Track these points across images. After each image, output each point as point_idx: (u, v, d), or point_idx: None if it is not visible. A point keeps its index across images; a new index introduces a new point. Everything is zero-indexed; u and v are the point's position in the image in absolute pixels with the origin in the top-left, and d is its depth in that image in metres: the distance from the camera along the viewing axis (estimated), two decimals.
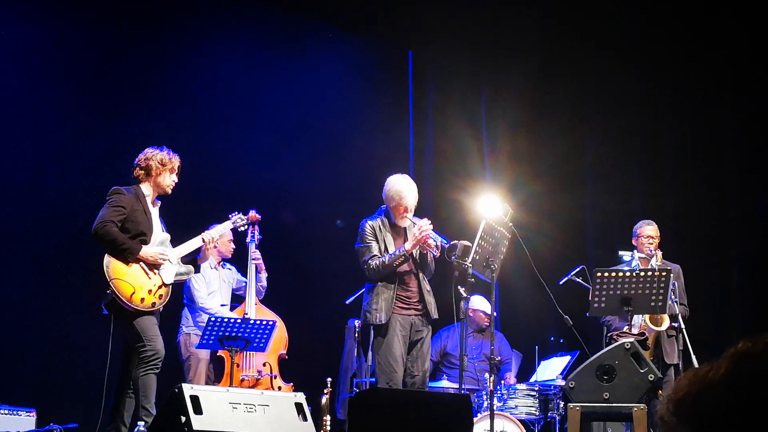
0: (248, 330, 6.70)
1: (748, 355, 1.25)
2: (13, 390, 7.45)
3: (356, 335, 7.43)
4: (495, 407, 6.32)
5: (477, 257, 6.16)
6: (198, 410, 4.76)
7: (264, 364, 7.31)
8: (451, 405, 5.64)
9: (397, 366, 6.35)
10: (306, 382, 7.06)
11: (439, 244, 6.46)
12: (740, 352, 1.27)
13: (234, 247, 7.86)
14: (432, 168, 10.10)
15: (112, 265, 5.78)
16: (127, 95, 8.55)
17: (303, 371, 7.73)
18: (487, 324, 8.63)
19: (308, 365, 8.05)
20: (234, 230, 6.75)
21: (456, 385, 7.31)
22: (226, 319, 6.80)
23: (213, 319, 6.76)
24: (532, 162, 10.01)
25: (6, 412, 7.02)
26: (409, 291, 6.55)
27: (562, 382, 7.34)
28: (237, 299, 7.84)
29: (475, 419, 6.23)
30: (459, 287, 6.28)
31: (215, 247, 7.66)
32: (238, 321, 6.80)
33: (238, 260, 7.91)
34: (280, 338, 7.35)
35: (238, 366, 7.03)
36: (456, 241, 6.36)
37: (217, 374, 7.38)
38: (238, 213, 6.75)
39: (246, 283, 7.59)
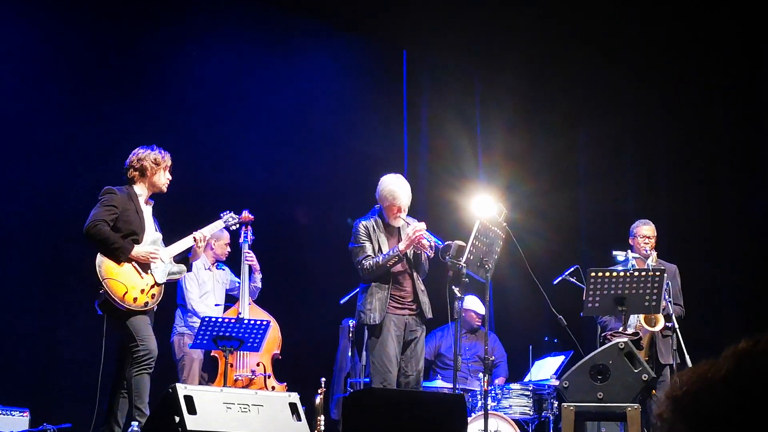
0: (242, 330, 6.69)
1: (749, 354, 1.25)
2: (7, 390, 7.43)
3: (350, 335, 7.43)
4: (489, 407, 6.32)
5: (471, 257, 6.16)
6: (192, 410, 4.75)
7: (258, 364, 7.30)
8: (445, 405, 5.64)
9: (391, 366, 6.35)
10: (300, 382, 7.06)
11: (432, 244, 6.46)
12: (741, 352, 1.26)
13: (230, 250, 7.85)
14: (426, 168, 10.10)
15: (104, 264, 5.77)
16: (119, 94, 8.52)
17: (297, 371, 7.73)
18: (479, 324, 8.65)
19: (302, 365, 8.05)
20: (226, 229, 6.72)
21: (450, 385, 7.31)
22: (219, 319, 6.79)
23: (207, 319, 6.75)
24: (526, 162, 10.01)
25: None
26: (404, 291, 6.55)
27: (556, 382, 7.34)
28: (230, 299, 7.83)
29: (469, 419, 6.23)
30: (453, 287, 6.28)
31: (211, 248, 7.67)
32: (232, 321, 6.79)
33: (232, 261, 7.90)
34: (273, 338, 7.34)
35: (231, 366, 7.03)
36: (450, 242, 6.36)
37: (210, 374, 7.37)
38: (230, 212, 6.74)
39: (239, 283, 7.59)
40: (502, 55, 10.12)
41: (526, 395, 7.55)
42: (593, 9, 9.64)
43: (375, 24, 9.85)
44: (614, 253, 7.28)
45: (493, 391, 7.44)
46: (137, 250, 5.87)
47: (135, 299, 5.79)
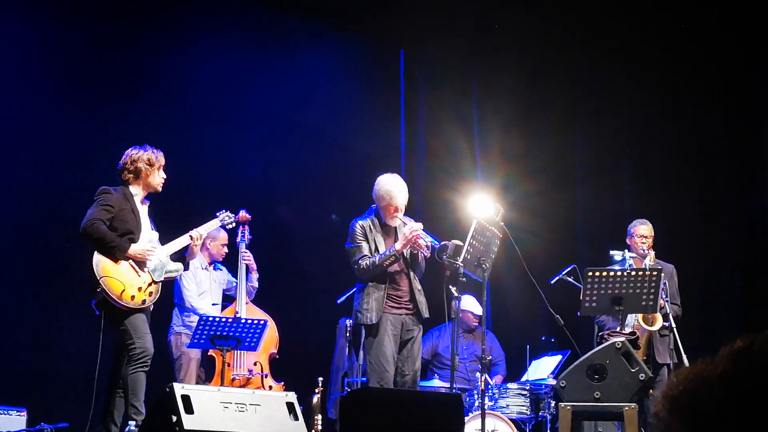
0: (239, 329, 6.69)
1: (746, 353, 1.25)
2: (4, 389, 7.43)
3: (347, 334, 7.43)
4: (486, 406, 6.32)
5: (468, 257, 6.16)
6: (189, 410, 4.75)
7: (255, 364, 7.30)
8: (442, 404, 5.65)
9: (388, 365, 6.35)
10: (297, 382, 7.05)
11: (429, 244, 6.46)
12: (738, 351, 1.26)
13: (227, 251, 7.85)
14: (423, 167, 10.10)
15: (101, 263, 5.78)
16: (115, 94, 8.52)
17: (294, 371, 7.72)
18: (475, 324, 8.65)
19: (299, 365, 8.04)
20: (222, 228, 6.72)
21: (447, 385, 7.31)
22: (217, 319, 6.80)
23: (204, 318, 6.75)
24: (524, 161, 10.02)
25: None
26: (400, 290, 6.55)
27: (553, 382, 7.35)
28: (227, 299, 7.83)
29: (466, 419, 6.24)
30: (450, 287, 6.28)
31: (207, 248, 7.67)
32: (229, 320, 6.79)
33: (228, 261, 7.90)
34: (271, 338, 7.34)
35: (229, 365, 7.03)
36: (447, 241, 6.36)
37: (208, 374, 7.37)
38: (226, 211, 6.74)
39: (236, 283, 7.58)
40: (499, 55, 10.13)
41: (524, 395, 7.55)
42: (590, 9, 9.66)
43: (372, 23, 9.85)
44: (611, 252, 7.28)
45: (490, 391, 7.44)
46: (134, 249, 5.88)
47: (132, 297, 5.80)
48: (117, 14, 8.62)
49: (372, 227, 6.63)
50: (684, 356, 6.65)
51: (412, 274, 6.58)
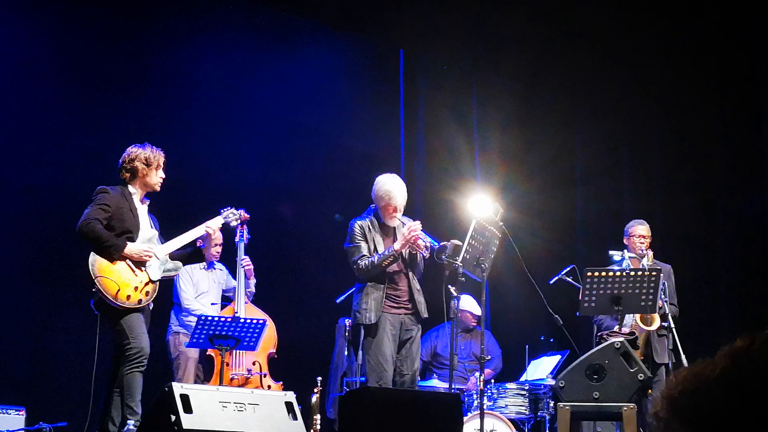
0: (238, 329, 6.69)
1: (745, 353, 1.25)
2: (3, 389, 7.43)
3: (346, 334, 7.42)
4: (485, 406, 6.32)
5: (468, 256, 6.15)
6: (188, 409, 4.75)
7: (254, 363, 7.29)
8: (441, 404, 5.65)
9: (387, 365, 6.35)
10: (296, 381, 7.05)
11: (428, 244, 6.45)
12: (737, 351, 1.26)
13: (219, 251, 7.84)
14: (423, 167, 10.10)
15: (97, 263, 5.76)
16: (116, 93, 8.52)
17: (293, 370, 7.72)
18: (474, 324, 8.65)
19: (298, 364, 8.04)
20: (226, 225, 6.70)
21: (446, 385, 7.31)
22: (216, 318, 6.79)
23: (203, 317, 6.75)
24: (523, 161, 10.02)
25: None
26: (399, 290, 6.54)
27: (552, 382, 7.35)
28: (225, 299, 7.83)
29: (465, 418, 6.24)
30: (450, 286, 6.28)
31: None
32: (228, 320, 6.79)
33: (228, 260, 7.90)
34: (269, 337, 7.34)
35: (227, 365, 7.02)
36: (446, 242, 6.36)
37: (206, 373, 7.37)
38: (230, 208, 6.71)
39: (235, 287, 7.57)
40: (498, 55, 10.13)
41: (522, 395, 7.55)
42: (589, 9, 9.65)
43: (372, 23, 9.85)
44: (611, 252, 7.28)
45: (489, 391, 7.44)
46: (130, 248, 5.86)
47: (128, 297, 5.78)
48: (118, 13, 8.62)
49: (371, 227, 6.62)
50: (683, 356, 6.65)
51: (411, 274, 6.58)
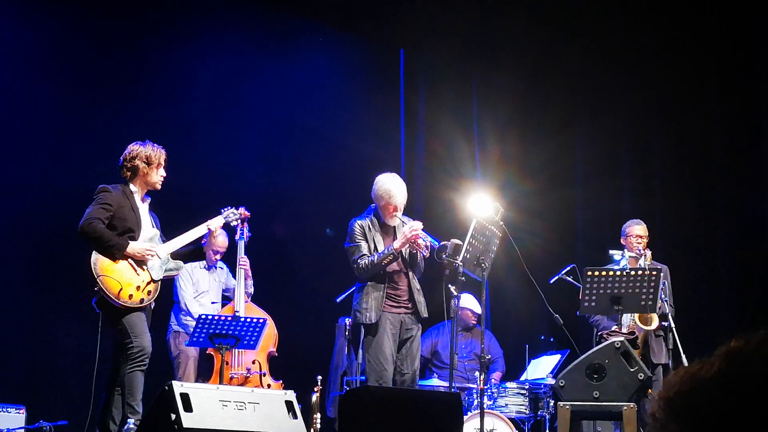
0: (238, 328, 6.69)
1: (740, 353, 1.25)
2: (3, 387, 7.43)
3: (346, 333, 7.43)
4: (485, 406, 6.32)
5: (468, 256, 6.16)
6: (188, 408, 4.75)
7: (253, 362, 7.30)
8: (441, 403, 5.65)
9: (387, 364, 6.35)
10: (296, 380, 7.06)
11: (428, 244, 6.45)
12: (732, 350, 1.27)
13: (218, 258, 7.86)
14: (423, 167, 10.11)
15: (99, 262, 5.76)
16: (116, 94, 8.53)
17: (293, 369, 7.73)
18: (474, 322, 8.66)
19: (298, 363, 8.05)
20: (227, 224, 6.71)
21: (446, 384, 7.32)
22: (216, 317, 6.79)
23: (203, 316, 6.75)
24: (523, 161, 10.03)
25: None
26: (399, 289, 6.55)
27: (552, 381, 7.35)
28: (225, 299, 7.83)
29: (465, 418, 6.24)
30: (450, 285, 6.28)
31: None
32: (228, 319, 6.79)
33: (228, 259, 7.91)
34: (269, 336, 7.34)
35: (227, 364, 7.02)
36: (446, 241, 6.36)
37: (206, 372, 7.37)
38: (230, 208, 6.71)
39: (233, 287, 7.58)
40: (498, 55, 10.14)
41: (522, 394, 7.55)
42: (589, 9, 9.66)
43: (372, 23, 9.86)
44: (611, 252, 7.29)
45: (489, 390, 7.44)
46: (133, 247, 5.86)
47: (131, 296, 5.78)
48: (117, 14, 8.62)
49: (371, 226, 6.63)
50: (683, 356, 6.65)
51: (411, 273, 6.58)
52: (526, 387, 7.62)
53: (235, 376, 7.18)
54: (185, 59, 8.89)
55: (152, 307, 6.02)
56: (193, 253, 6.28)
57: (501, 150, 10.03)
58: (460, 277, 6.20)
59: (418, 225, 6.46)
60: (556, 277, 7.36)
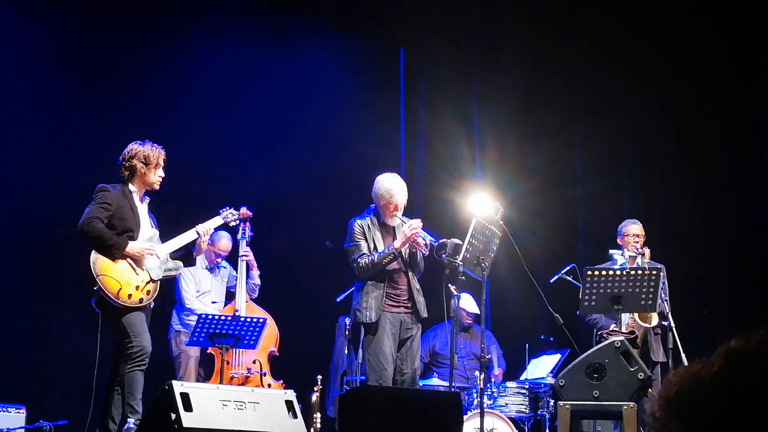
0: (238, 327, 6.70)
1: (741, 353, 1.25)
2: (3, 387, 7.43)
3: (347, 333, 7.43)
4: (485, 405, 6.33)
5: (468, 255, 6.16)
6: (188, 407, 4.76)
7: (254, 362, 7.30)
8: (441, 403, 5.65)
9: (387, 364, 6.35)
10: (296, 380, 7.06)
11: (428, 242, 6.45)
12: (733, 350, 1.27)
13: (219, 260, 7.87)
14: (423, 166, 10.11)
15: (98, 261, 5.76)
16: (115, 92, 8.52)
17: (293, 369, 7.73)
18: (469, 322, 8.68)
19: (298, 363, 8.06)
20: (225, 225, 6.71)
21: (446, 383, 7.32)
22: (216, 317, 6.79)
23: (203, 316, 6.76)
24: (523, 160, 10.02)
25: None
26: (399, 289, 6.54)
27: (552, 380, 7.35)
28: (230, 297, 7.83)
29: (465, 417, 6.24)
30: (450, 285, 6.28)
31: (211, 244, 7.68)
32: (229, 318, 6.79)
33: (230, 258, 7.91)
34: (270, 336, 7.35)
35: (228, 363, 7.03)
36: (445, 240, 6.36)
37: (207, 372, 7.38)
38: (230, 208, 6.70)
39: (237, 278, 7.59)
40: (498, 55, 10.14)
41: (522, 393, 7.56)
42: (589, 9, 9.66)
43: (372, 22, 9.85)
44: (611, 251, 7.28)
45: (489, 389, 7.45)
46: (132, 247, 5.86)
47: (130, 296, 5.78)
48: (117, 12, 8.62)
49: (371, 226, 6.62)
50: (683, 355, 6.65)
51: (410, 273, 6.58)
52: (526, 386, 7.62)
53: (236, 375, 7.19)
54: (186, 59, 8.89)
55: (152, 306, 6.02)
56: (182, 258, 6.24)
57: (501, 149, 10.03)
58: (460, 276, 6.20)
59: (418, 223, 6.45)
60: (556, 277, 7.36)
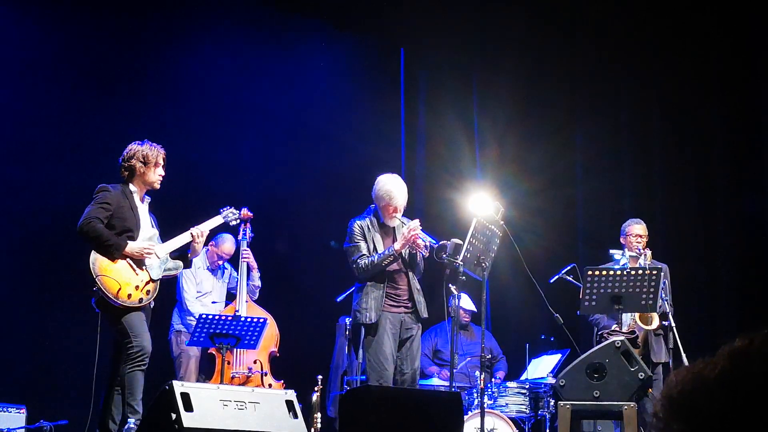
0: (239, 327, 6.70)
1: (744, 353, 1.25)
2: (3, 387, 7.43)
3: (347, 333, 7.43)
4: (486, 405, 6.32)
5: (468, 255, 6.15)
6: (188, 407, 4.75)
7: (254, 362, 7.30)
8: (441, 403, 5.65)
9: (387, 364, 6.35)
10: (297, 380, 7.06)
11: (428, 244, 6.45)
12: (735, 350, 1.26)
13: (221, 262, 7.87)
14: (423, 166, 10.11)
15: (98, 261, 5.76)
16: (117, 94, 8.53)
17: (294, 369, 7.73)
18: (467, 320, 8.70)
19: (299, 363, 8.06)
20: (226, 225, 6.70)
21: (446, 383, 7.32)
22: (216, 317, 6.79)
23: (204, 316, 6.76)
24: (524, 160, 10.02)
25: None
26: (399, 289, 6.54)
27: (552, 380, 7.35)
28: (231, 297, 7.84)
29: (465, 417, 6.24)
30: (450, 285, 6.28)
31: (215, 246, 7.68)
32: (229, 318, 6.79)
33: (231, 258, 7.91)
34: (270, 336, 7.35)
35: (228, 363, 7.03)
36: (445, 241, 6.35)
37: (207, 372, 7.37)
38: (230, 207, 6.69)
39: (237, 279, 7.59)
40: (499, 54, 10.14)
41: (523, 393, 7.56)
42: (589, 9, 9.66)
43: (372, 23, 9.86)
44: (611, 251, 7.28)
45: (489, 389, 7.45)
46: (131, 246, 5.85)
47: (129, 296, 5.78)
48: (119, 12, 8.62)
49: (370, 227, 6.62)
50: (684, 355, 6.65)
51: (410, 273, 6.57)
52: (527, 386, 7.62)
53: (237, 375, 7.19)
54: (186, 59, 8.89)
55: (152, 306, 6.01)
56: (180, 259, 6.22)
57: (501, 149, 10.03)
58: (461, 276, 6.19)
59: (417, 224, 6.45)
60: (557, 277, 7.36)
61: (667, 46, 9.70)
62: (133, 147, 6.03)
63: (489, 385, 7.51)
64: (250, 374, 7.23)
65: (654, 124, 9.91)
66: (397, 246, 6.42)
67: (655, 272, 6.13)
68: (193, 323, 7.00)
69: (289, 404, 5.22)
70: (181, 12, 9.03)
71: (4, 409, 7.05)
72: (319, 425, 7.17)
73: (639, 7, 9.70)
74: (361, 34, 10.09)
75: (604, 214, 9.74)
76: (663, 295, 6.61)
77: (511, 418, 7.28)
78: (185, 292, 7.68)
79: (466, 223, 6.52)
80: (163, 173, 6.08)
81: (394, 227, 6.66)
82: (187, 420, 4.69)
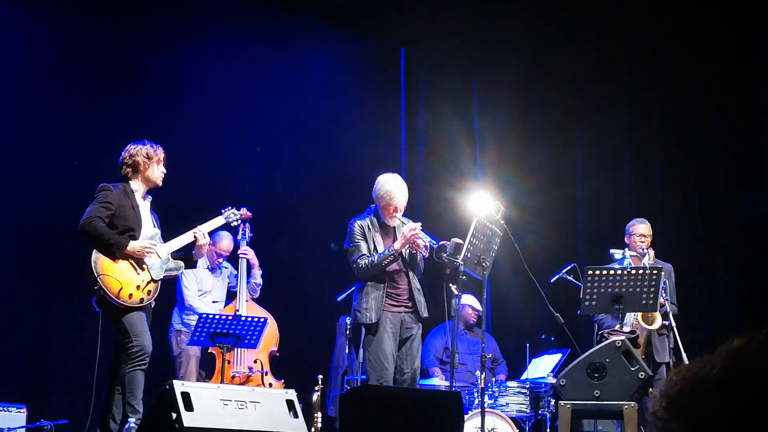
0: (239, 327, 6.70)
1: (743, 352, 1.25)
2: (4, 386, 7.44)
3: (347, 332, 7.43)
4: (486, 405, 6.33)
5: (469, 255, 6.15)
6: (189, 407, 4.76)
7: (255, 361, 7.31)
8: (442, 402, 5.65)
9: (387, 363, 6.35)
10: (297, 379, 7.06)
11: (427, 244, 6.45)
12: (734, 350, 1.26)
13: (221, 261, 7.87)
14: (424, 165, 10.11)
15: (99, 261, 5.76)
16: (117, 93, 8.52)
17: (294, 368, 7.74)
18: (474, 320, 8.69)
19: (299, 362, 8.05)
20: (227, 225, 6.70)
21: (447, 383, 7.32)
22: (217, 316, 6.80)
23: (204, 315, 6.76)
24: (524, 160, 10.03)
25: None
26: (399, 288, 6.54)
27: (553, 380, 7.35)
28: (231, 297, 7.84)
29: (466, 417, 6.24)
30: (450, 285, 6.28)
31: (212, 244, 7.68)
32: (229, 318, 6.79)
33: (231, 258, 7.91)
34: (271, 335, 7.35)
35: (229, 363, 7.03)
36: (445, 241, 6.35)
37: (208, 371, 7.38)
38: (231, 208, 6.69)
39: (237, 276, 7.60)
40: (499, 54, 10.14)
41: (523, 393, 7.56)
42: (590, 9, 9.66)
43: (373, 22, 9.85)
44: (612, 251, 7.28)
45: (490, 389, 7.45)
46: (133, 246, 5.85)
47: (130, 295, 5.78)
48: (119, 12, 8.62)
49: (371, 226, 6.62)
50: (684, 355, 6.65)
51: (411, 273, 6.57)
52: (527, 386, 7.62)
53: (237, 375, 7.19)
54: (186, 59, 8.89)
55: (152, 306, 6.02)
56: (183, 259, 6.23)
57: (501, 149, 10.03)
58: (461, 276, 6.19)
59: (417, 226, 6.45)
60: (557, 276, 7.36)
61: (667, 46, 9.70)
62: (135, 146, 6.04)
63: (489, 385, 7.51)
64: (250, 374, 7.24)
65: (654, 124, 9.91)
66: (396, 246, 6.42)
67: (655, 272, 6.14)
68: (194, 322, 7.00)
69: (290, 404, 5.22)
70: (181, 12, 9.03)
71: (5, 409, 7.06)
72: (319, 425, 7.17)
73: (639, 7, 9.71)
74: (361, 34, 10.09)
75: (604, 213, 9.74)
76: (664, 295, 6.61)
77: (511, 418, 7.28)
78: (186, 290, 7.68)
79: (466, 222, 6.52)
80: (164, 170, 6.10)
81: (394, 227, 6.66)
82: (188, 419, 4.70)
